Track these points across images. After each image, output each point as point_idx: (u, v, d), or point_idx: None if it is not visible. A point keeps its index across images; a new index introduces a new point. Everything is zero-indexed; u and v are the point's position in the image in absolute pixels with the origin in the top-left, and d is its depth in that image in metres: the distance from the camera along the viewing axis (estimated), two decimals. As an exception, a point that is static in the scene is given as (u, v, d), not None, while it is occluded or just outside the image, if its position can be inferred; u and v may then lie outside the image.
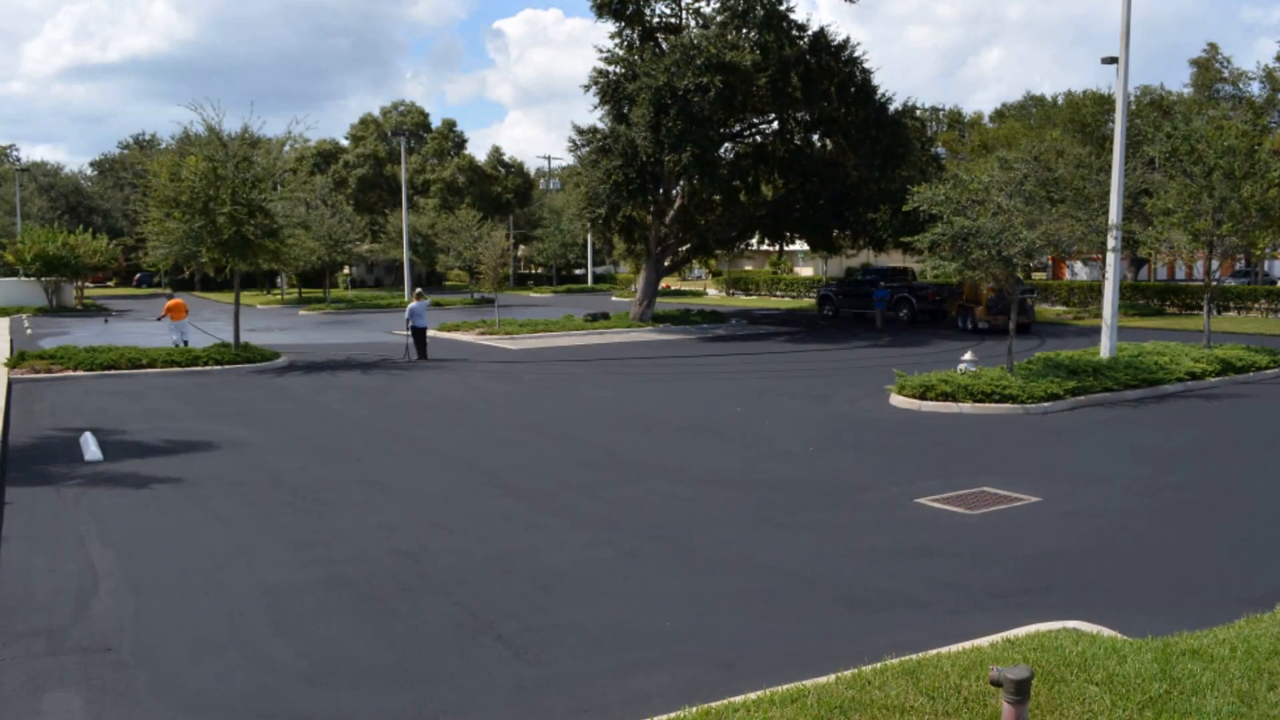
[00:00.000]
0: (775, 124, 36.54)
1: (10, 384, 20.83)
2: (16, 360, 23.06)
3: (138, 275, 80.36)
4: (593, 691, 6.26)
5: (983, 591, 8.11)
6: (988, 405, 16.88)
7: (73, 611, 7.81)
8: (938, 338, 30.57)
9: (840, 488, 11.68)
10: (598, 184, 34.13)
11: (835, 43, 33.58)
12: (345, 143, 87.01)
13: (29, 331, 36.56)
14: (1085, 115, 45.53)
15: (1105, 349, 20.55)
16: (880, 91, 34.52)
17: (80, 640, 7.23)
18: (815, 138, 37.93)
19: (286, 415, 17.39)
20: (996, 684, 4.73)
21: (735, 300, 56.58)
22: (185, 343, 26.78)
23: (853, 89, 33.69)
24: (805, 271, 68.84)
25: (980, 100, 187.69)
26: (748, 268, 71.44)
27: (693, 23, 35.32)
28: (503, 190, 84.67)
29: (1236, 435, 14.86)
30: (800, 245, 43.98)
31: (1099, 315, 23.05)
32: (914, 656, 6.28)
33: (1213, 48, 49.84)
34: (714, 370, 23.31)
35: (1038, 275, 50.47)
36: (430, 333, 33.72)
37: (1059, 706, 5.46)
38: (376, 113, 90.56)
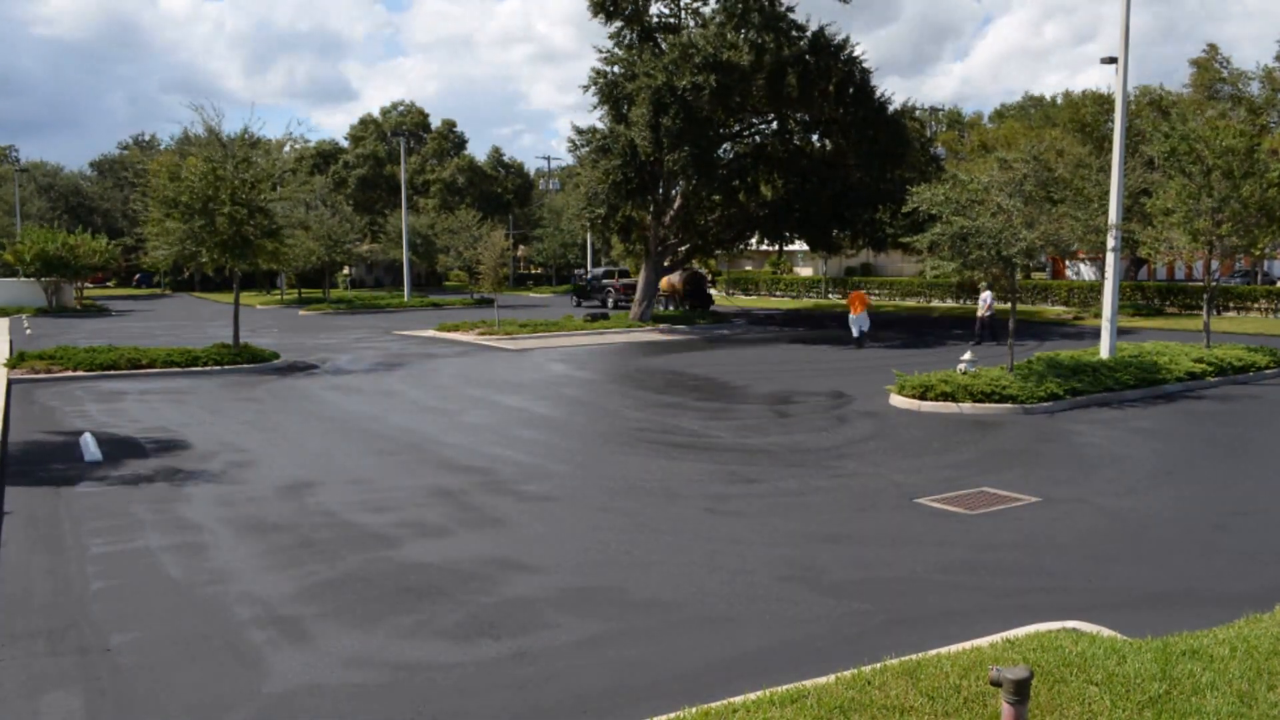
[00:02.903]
0: (774, 124, 36.53)
1: (10, 384, 20.82)
2: (16, 361, 23.05)
3: (137, 275, 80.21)
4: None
5: (981, 591, 8.11)
6: (988, 405, 16.88)
7: (72, 611, 7.81)
8: (940, 338, 30.54)
9: (840, 487, 11.68)
10: (597, 184, 34.13)
11: (834, 43, 33.56)
12: (345, 143, 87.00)
13: (29, 332, 36.53)
14: (1085, 115, 45.47)
15: (1105, 349, 20.54)
16: (879, 91, 34.56)
17: (80, 640, 7.22)
18: (814, 138, 37.93)
19: (286, 416, 17.39)
20: (996, 684, 4.72)
21: (735, 300, 56.52)
22: (862, 333, 27.28)
23: (851, 89, 33.68)
24: (805, 271, 68.71)
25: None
26: (748, 268, 71.30)
27: (691, 23, 35.33)
28: (502, 190, 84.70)
29: (1236, 435, 14.85)
30: (800, 245, 43.94)
31: (1099, 315, 23.05)
32: (914, 656, 6.28)
33: (1212, 48, 49.80)
34: (716, 371, 23.28)
35: (1038, 275, 50.40)
36: (429, 333, 33.76)
37: (1059, 706, 5.46)
38: (376, 113, 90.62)
